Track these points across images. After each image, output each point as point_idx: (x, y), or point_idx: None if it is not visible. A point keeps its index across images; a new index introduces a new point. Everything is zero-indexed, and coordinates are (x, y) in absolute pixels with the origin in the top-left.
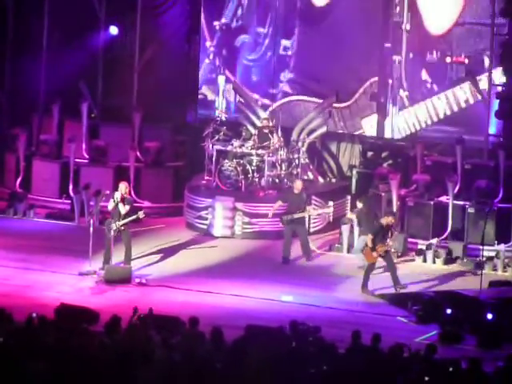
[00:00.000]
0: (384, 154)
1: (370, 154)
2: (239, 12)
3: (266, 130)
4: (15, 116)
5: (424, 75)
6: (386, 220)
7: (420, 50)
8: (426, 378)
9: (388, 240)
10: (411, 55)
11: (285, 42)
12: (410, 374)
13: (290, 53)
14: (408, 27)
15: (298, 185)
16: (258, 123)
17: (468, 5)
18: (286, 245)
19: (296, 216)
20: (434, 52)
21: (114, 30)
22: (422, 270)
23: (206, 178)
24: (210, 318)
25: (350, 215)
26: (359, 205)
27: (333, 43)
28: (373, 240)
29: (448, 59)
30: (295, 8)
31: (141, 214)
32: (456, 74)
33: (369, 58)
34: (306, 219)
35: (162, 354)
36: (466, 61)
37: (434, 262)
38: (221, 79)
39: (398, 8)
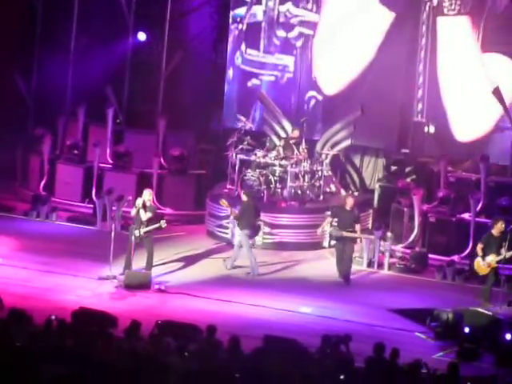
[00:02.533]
0: (408, 169)
1: (393, 168)
2: None
3: (292, 141)
4: (40, 118)
5: None
6: (497, 228)
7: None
8: None
9: (502, 250)
10: None
11: None
12: None
13: None
14: (432, 130)
15: (349, 201)
16: (283, 134)
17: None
18: (340, 263)
19: (345, 234)
20: None
21: (142, 36)
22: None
23: (229, 186)
24: (227, 326)
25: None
26: (244, 197)
27: None
28: (483, 249)
29: None
30: None
31: (163, 224)
32: None
33: None
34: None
35: (178, 362)
36: None
37: (454, 280)
38: None
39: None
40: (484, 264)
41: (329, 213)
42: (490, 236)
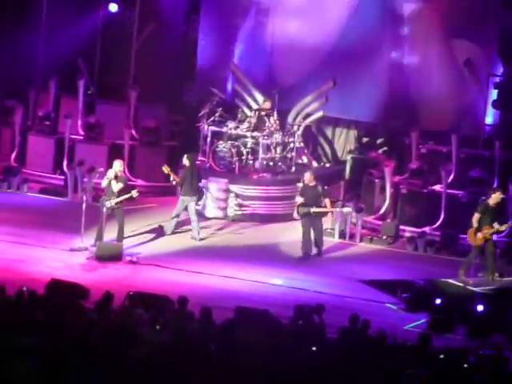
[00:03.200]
0: (379, 141)
1: (365, 139)
2: None
3: (264, 113)
4: (11, 90)
5: None
6: (494, 198)
7: None
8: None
9: (495, 223)
10: None
11: None
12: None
13: None
14: None
15: (307, 177)
16: (254, 106)
17: None
18: (306, 240)
19: (313, 210)
20: None
21: (113, 8)
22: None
23: (200, 158)
24: (199, 298)
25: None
26: (185, 161)
27: None
28: (479, 220)
29: None
30: None
31: (134, 193)
32: None
33: None
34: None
35: (150, 333)
36: None
37: (426, 251)
38: None
39: None
40: (479, 235)
41: (300, 185)
42: (485, 206)
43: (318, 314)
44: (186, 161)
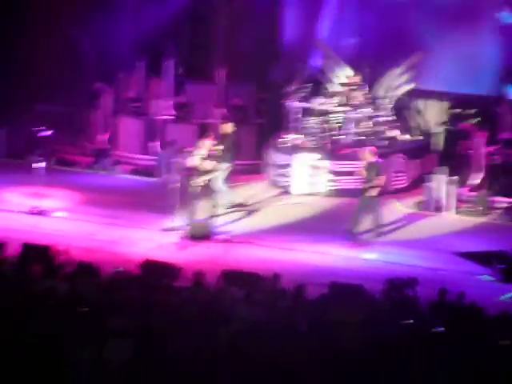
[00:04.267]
0: (472, 112)
1: (457, 110)
2: None
3: (354, 87)
4: (100, 74)
5: None
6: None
7: None
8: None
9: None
10: None
11: None
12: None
13: None
14: None
15: (365, 154)
16: (344, 80)
17: None
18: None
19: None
20: None
21: None
22: None
23: (290, 135)
24: (292, 274)
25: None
26: (228, 129)
27: None
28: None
29: None
30: None
31: (224, 167)
32: None
33: None
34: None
35: (243, 311)
36: None
37: None
38: None
39: None
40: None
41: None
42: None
43: (411, 288)
44: (228, 129)
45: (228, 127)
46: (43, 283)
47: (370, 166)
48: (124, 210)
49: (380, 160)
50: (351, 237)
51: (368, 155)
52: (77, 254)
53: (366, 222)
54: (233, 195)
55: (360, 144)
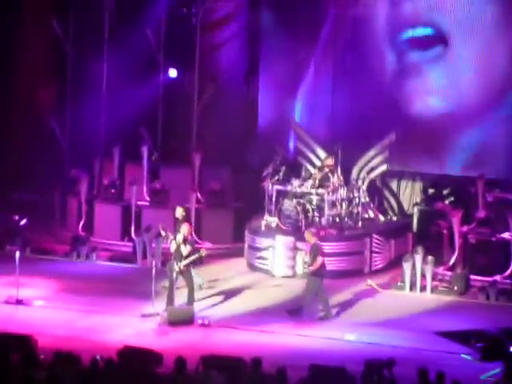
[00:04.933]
0: (445, 191)
1: (431, 191)
2: None
3: (327, 169)
4: (76, 160)
5: None
6: None
7: None
8: None
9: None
10: None
11: None
12: None
13: None
14: None
15: (307, 236)
16: (317, 163)
17: None
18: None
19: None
20: None
21: (173, 73)
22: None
23: (266, 218)
24: (273, 358)
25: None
26: (180, 214)
27: None
28: None
29: None
30: None
31: (203, 252)
32: None
33: None
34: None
35: None
36: None
37: (498, 300)
38: None
39: None
40: None
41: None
42: None
43: (388, 369)
44: (180, 213)
45: (178, 211)
46: (22, 371)
47: (312, 248)
48: (102, 297)
49: (318, 242)
50: (294, 316)
51: (309, 236)
52: (54, 343)
53: (314, 303)
54: (197, 277)
55: (335, 226)
